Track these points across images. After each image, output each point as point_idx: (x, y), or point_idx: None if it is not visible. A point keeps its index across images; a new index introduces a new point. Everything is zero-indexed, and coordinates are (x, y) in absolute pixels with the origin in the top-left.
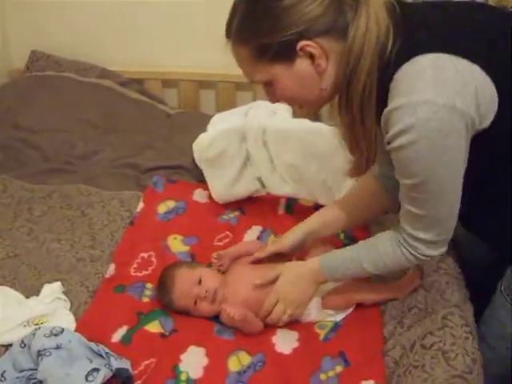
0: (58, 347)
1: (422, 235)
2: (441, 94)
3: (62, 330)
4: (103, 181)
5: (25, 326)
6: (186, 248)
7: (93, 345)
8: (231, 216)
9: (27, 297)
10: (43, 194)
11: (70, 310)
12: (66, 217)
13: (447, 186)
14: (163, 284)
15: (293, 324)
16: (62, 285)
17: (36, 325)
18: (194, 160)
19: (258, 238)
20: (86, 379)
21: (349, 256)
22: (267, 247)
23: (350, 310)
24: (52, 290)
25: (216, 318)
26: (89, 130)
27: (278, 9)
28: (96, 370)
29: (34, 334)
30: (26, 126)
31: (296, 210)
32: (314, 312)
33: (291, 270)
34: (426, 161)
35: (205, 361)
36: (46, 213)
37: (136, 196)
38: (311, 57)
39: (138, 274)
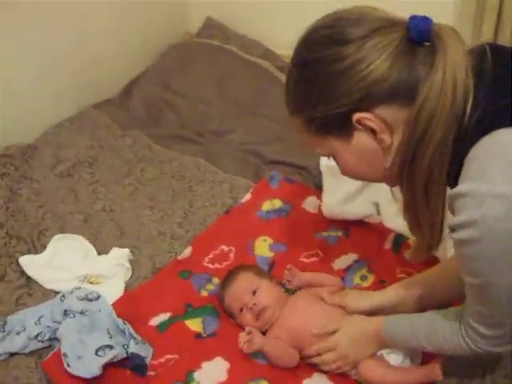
0: (82, 312)
1: (484, 331)
2: None
3: (98, 297)
4: (224, 161)
5: (80, 280)
6: (269, 254)
7: (120, 322)
8: (332, 235)
9: (99, 253)
10: (164, 158)
11: (129, 279)
12: (172, 187)
13: None
14: (224, 279)
15: (336, 375)
16: (132, 253)
17: (90, 283)
18: (319, 164)
19: (349, 268)
20: (96, 353)
21: (409, 330)
22: (335, 298)
23: None
24: (119, 255)
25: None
26: (230, 108)
27: (328, 75)
28: (109, 347)
29: (71, 292)
30: (175, 89)
31: (403, 248)
32: None
33: (356, 324)
34: (490, 263)
35: (223, 377)
36: (157, 178)
37: (248, 186)
38: (372, 131)
39: (210, 266)
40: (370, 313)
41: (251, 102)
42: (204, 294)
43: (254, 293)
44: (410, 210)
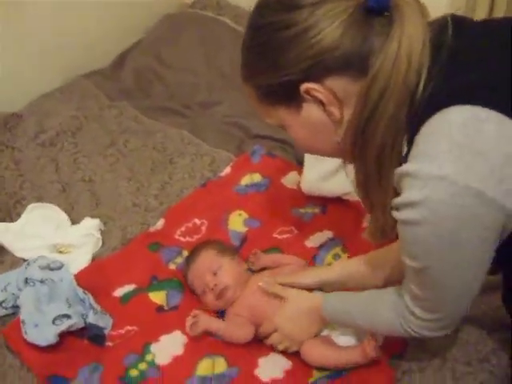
0: (42, 281)
1: (419, 313)
2: (467, 170)
3: (61, 266)
4: (208, 134)
5: (50, 249)
6: (243, 229)
7: (80, 291)
8: (308, 211)
9: (74, 223)
10: (149, 129)
11: (99, 250)
12: (152, 159)
13: (456, 280)
14: (188, 257)
15: (292, 354)
16: (105, 223)
17: (60, 252)
18: None
19: (322, 246)
20: (53, 322)
21: (345, 307)
22: (284, 277)
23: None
24: (90, 225)
25: (221, 313)
26: (218, 80)
27: (277, 41)
28: (67, 316)
29: (35, 261)
30: (166, 61)
31: None
32: None
33: (295, 302)
34: (428, 247)
35: (179, 350)
36: (139, 149)
37: (229, 159)
38: (321, 103)
39: (181, 239)
40: (317, 288)
41: (239, 75)
42: (172, 267)
43: (216, 273)
44: (362, 188)
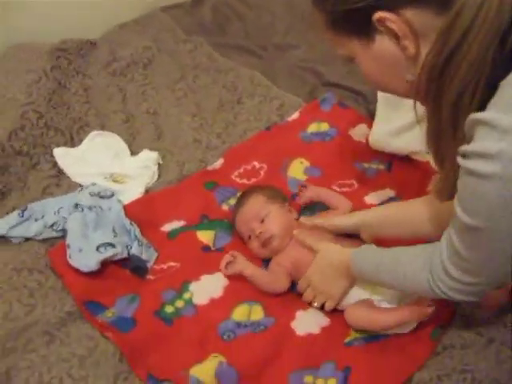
0: (90, 208)
1: (455, 273)
2: None
3: (111, 195)
4: (281, 77)
5: (106, 177)
6: (302, 177)
7: (127, 222)
8: (373, 167)
9: (133, 154)
10: (221, 67)
11: (154, 182)
12: (220, 97)
13: (509, 247)
14: (238, 200)
15: (331, 312)
16: (164, 157)
17: (115, 181)
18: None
19: (382, 203)
20: (97, 249)
21: (374, 261)
22: (321, 219)
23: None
24: (148, 157)
25: (267, 261)
26: (297, 22)
27: None
28: (111, 245)
29: (86, 187)
30: None
31: None
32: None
33: (325, 255)
34: (491, 206)
35: (218, 293)
36: (208, 86)
37: (299, 104)
38: (395, 35)
39: (238, 180)
40: (354, 231)
41: None
42: (224, 207)
43: (263, 220)
44: (434, 139)
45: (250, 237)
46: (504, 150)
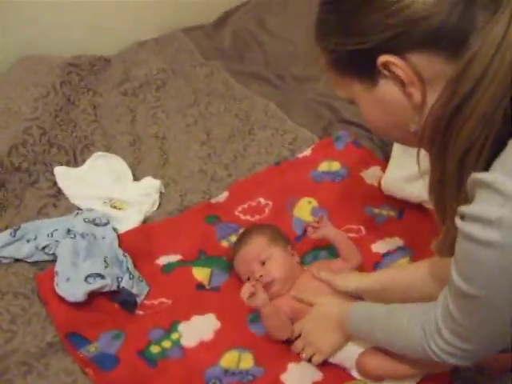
0: (83, 235)
1: (448, 337)
2: None
3: (106, 223)
4: (296, 110)
5: (104, 202)
6: (308, 218)
7: (120, 253)
8: (383, 213)
9: (136, 179)
10: (235, 95)
11: (153, 212)
12: (231, 126)
13: (506, 316)
14: (239, 238)
15: (323, 365)
16: (167, 185)
17: (114, 207)
18: None
19: (388, 253)
20: (86, 279)
21: (368, 318)
22: (326, 274)
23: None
24: (150, 185)
25: None
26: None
27: (354, 1)
28: (101, 276)
29: (82, 213)
30: (267, 26)
31: None
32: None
33: (322, 307)
34: (487, 274)
35: (208, 335)
36: (220, 114)
37: (312, 140)
38: (401, 81)
39: (241, 216)
40: (357, 295)
41: None
42: (224, 244)
43: (264, 262)
44: (437, 191)
45: (248, 278)
46: (505, 217)
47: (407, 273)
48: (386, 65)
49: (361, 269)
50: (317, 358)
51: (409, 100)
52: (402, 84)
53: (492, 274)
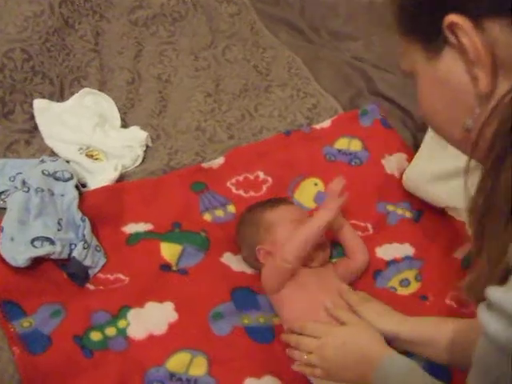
0: (37, 190)
1: None
2: None
3: (69, 179)
4: (325, 71)
5: (81, 149)
6: (310, 204)
7: (78, 216)
8: (398, 212)
9: (124, 126)
10: (260, 42)
11: (133, 168)
12: (247, 78)
13: None
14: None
15: None
16: (156, 138)
17: (88, 156)
18: None
19: (394, 262)
20: (32, 242)
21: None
22: (354, 297)
23: None
24: (135, 136)
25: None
26: (363, 11)
27: None
28: (50, 240)
29: (44, 161)
30: None
31: None
32: None
33: (362, 334)
34: None
35: (160, 329)
36: (238, 62)
37: (335, 110)
38: (467, 56)
39: (232, 189)
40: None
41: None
42: (206, 217)
43: None
44: (479, 217)
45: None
46: None
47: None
48: (451, 27)
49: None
50: (318, 374)
51: (473, 84)
52: (468, 60)
53: None
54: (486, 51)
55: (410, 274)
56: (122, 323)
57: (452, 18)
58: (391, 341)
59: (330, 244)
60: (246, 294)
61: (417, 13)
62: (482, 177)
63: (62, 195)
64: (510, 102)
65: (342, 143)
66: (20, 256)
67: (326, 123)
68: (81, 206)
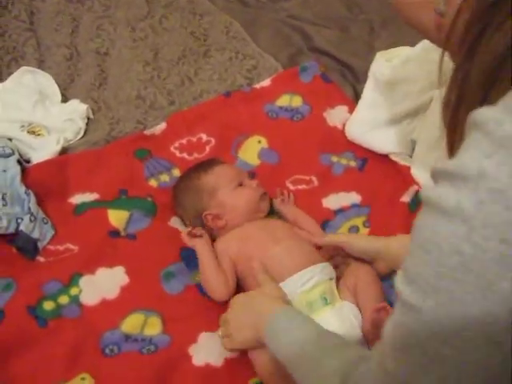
0: None
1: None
2: None
3: (10, 154)
4: (262, 32)
5: (22, 126)
6: (254, 162)
7: (22, 190)
8: (342, 162)
9: (64, 100)
10: (197, 9)
11: (76, 141)
12: (185, 45)
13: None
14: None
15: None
16: (97, 110)
17: (30, 132)
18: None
19: (341, 210)
20: None
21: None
22: (334, 236)
23: None
24: (75, 109)
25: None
26: None
27: None
28: None
29: None
30: None
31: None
32: None
33: (255, 294)
34: (451, 268)
35: (112, 294)
36: (175, 30)
37: (275, 69)
38: None
39: (176, 153)
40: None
41: None
42: (152, 183)
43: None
44: (452, 110)
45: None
46: (488, 172)
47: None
48: None
49: None
50: (225, 344)
51: None
52: None
53: (453, 265)
54: None
55: (358, 221)
56: (74, 290)
57: None
58: (382, 259)
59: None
60: (194, 252)
61: None
62: (454, 70)
63: (4, 171)
64: None
65: (283, 100)
66: None
67: (266, 82)
68: (25, 181)
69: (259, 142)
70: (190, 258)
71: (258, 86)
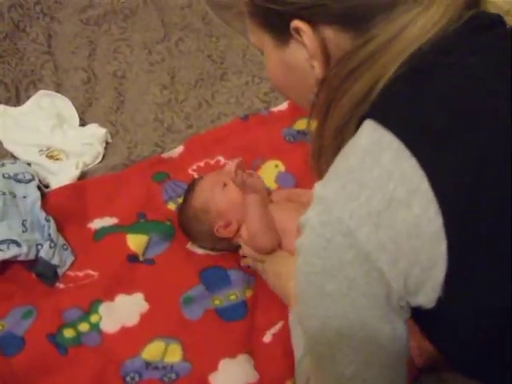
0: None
1: None
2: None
3: (30, 180)
4: None
5: (41, 150)
6: (272, 185)
7: (43, 216)
8: None
9: (82, 124)
10: (213, 32)
11: (94, 165)
12: (202, 69)
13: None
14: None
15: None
16: (115, 134)
17: (49, 157)
18: None
19: None
20: None
21: None
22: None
23: None
24: (94, 133)
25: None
26: None
27: None
28: (15, 242)
29: (4, 165)
30: None
31: None
32: None
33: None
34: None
35: (132, 321)
36: (191, 53)
37: None
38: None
39: (195, 176)
40: None
41: None
42: (170, 206)
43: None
44: (316, 159)
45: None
46: (310, 217)
47: None
48: (297, 30)
49: None
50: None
51: (311, 70)
52: (308, 53)
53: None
54: (319, 47)
55: None
56: (94, 318)
57: (297, 23)
58: None
59: None
60: (215, 272)
61: (266, 16)
62: (315, 130)
63: (25, 197)
64: (333, 78)
65: (301, 124)
66: None
67: (284, 106)
68: (44, 207)
69: (276, 166)
70: (210, 277)
71: (275, 109)
